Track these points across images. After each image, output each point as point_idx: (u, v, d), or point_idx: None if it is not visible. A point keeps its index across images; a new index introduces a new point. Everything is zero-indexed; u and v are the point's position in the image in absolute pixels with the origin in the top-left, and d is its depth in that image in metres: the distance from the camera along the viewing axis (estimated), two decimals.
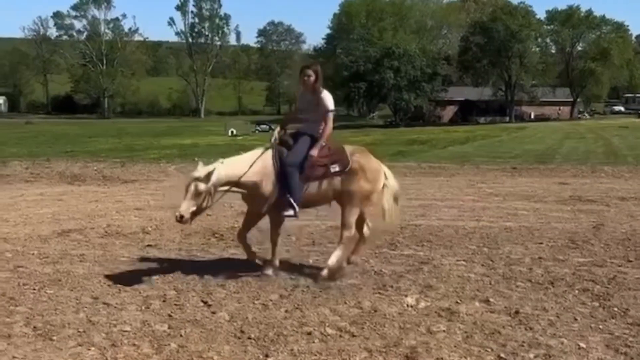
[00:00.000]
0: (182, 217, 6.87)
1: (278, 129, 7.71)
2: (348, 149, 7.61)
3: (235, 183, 7.16)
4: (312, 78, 7.46)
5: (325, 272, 7.27)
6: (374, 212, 7.91)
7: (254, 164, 7.20)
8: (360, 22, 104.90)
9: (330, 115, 7.49)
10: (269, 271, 7.46)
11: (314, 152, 7.28)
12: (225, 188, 7.17)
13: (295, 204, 7.20)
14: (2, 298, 6.63)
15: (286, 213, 7.26)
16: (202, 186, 6.89)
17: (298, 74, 7.84)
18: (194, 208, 6.93)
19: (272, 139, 7.54)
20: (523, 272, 7.65)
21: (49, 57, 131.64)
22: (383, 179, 7.77)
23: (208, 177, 6.89)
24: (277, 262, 7.64)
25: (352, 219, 7.54)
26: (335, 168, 7.37)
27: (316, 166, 7.30)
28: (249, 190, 7.29)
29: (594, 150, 31.80)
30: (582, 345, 5.37)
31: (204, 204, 7.02)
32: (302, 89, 7.72)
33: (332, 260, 7.35)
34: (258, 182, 7.21)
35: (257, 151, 7.42)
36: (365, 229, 7.96)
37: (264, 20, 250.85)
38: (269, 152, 7.36)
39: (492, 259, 8.31)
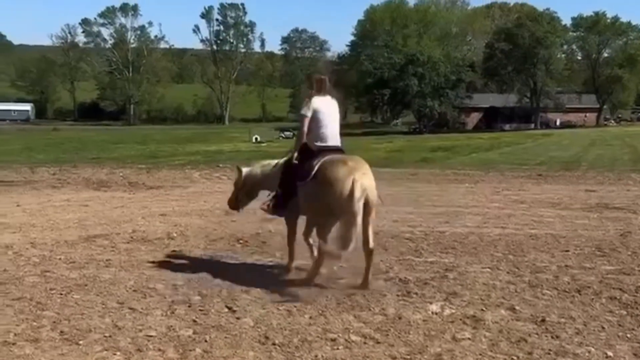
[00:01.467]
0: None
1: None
2: (326, 158, 7.21)
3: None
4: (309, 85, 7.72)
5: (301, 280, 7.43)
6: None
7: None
8: (384, 29, 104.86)
9: (302, 120, 7.54)
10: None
11: (294, 157, 7.51)
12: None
13: (270, 203, 7.65)
14: (29, 303, 6.70)
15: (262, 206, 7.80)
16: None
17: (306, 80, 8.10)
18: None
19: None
20: (549, 279, 7.58)
21: (76, 65, 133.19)
22: (345, 192, 6.80)
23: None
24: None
25: (321, 235, 7.18)
26: (305, 177, 7.24)
27: (300, 174, 7.37)
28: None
29: (620, 157, 31.47)
30: (610, 354, 5.31)
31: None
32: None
33: (308, 272, 7.46)
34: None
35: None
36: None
37: (288, 27, 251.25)
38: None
39: (517, 266, 8.24)
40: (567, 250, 9.21)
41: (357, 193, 6.76)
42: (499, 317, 6.20)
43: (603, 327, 5.95)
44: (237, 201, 8.53)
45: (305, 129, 7.46)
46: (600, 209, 13.47)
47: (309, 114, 7.45)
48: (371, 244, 7.08)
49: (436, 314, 6.33)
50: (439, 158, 32.59)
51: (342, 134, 7.74)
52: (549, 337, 5.71)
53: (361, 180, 6.84)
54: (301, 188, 7.31)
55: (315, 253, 7.47)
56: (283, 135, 68.33)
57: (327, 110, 7.54)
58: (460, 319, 6.15)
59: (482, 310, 6.42)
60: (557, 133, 67.66)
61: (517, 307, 6.49)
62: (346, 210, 6.78)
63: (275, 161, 8.13)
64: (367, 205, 6.87)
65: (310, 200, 7.20)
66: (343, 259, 7.34)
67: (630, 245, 9.56)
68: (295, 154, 7.47)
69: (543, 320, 6.09)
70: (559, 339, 5.66)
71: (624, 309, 6.50)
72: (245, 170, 8.39)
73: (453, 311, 6.39)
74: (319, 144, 7.47)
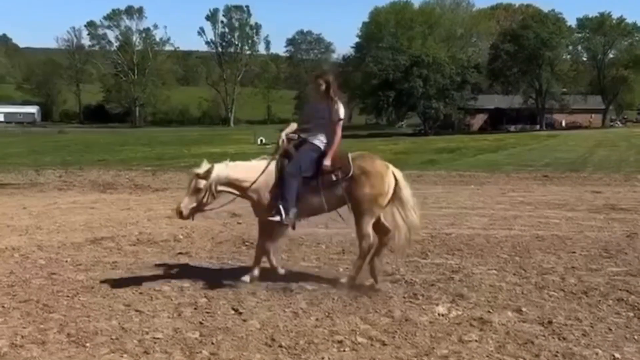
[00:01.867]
0: (181, 212, 7.24)
1: (283, 138, 7.58)
2: (352, 155, 7.45)
3: (238, 188, 7.36)
4: (324, 87, 7.44)
5: (344, 280, 7.35)
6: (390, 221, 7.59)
7: (263, 172, 7.37)
8: (389, 31, 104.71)
9: (340, 124, 7.46)
10: (246, 278, 7.47)
11: (327, 162, 7.28)
12: (229, 190, 7.37)
13: (283, 211, 7.19)
14: (36, 305, 6.72)
15: (271, 217, 7.26)
16: (201, 183, 7.15)
17: (311, 82, 7.91)
18: (194, 204, 7.24)
19: (276, 150, 7.59)
20: (556, 281, 7.57)
21: (82, 67, 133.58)
22: (391, 183, 7.40)
23: (207, 174, 7.14)
24: (256, 272, 7.61)
25: (365, 226, 7.30)
26: (338, 175, 7.28)
27: (321, 174, 7.31)
28: (250, 197, 7.45)
29: (626, 158, 31.37)
30: (617, 355, 5.30)
31: (204, 201, 7.25)
32: (314, 97, 7.76)
33: (353, 269, 7.44)
34: (260, 192, 7.36)
35: (263, 162, 7.54)
36: (388, 235, 7.60)
37: (293, 29, 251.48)
38: (273, 164, 7.46)
39: (524, 268, 8.23)
40: (574, 252, 9.20)
41: (404, 183, 7.52)
42: (506, 319, 6.19)
43: (610, 329, 5.93)
44: (195, 210, 7.37)
45: (340, 133, 7.47)
46: (606, 210, 13.44)
47: (343, 117, 7.50)
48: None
49: (443, 315, 6.32)
50: (444, 160, 32.54)
51: (347, 136, 7.75)
52: (556, 338, 5.70)
53: (396, 173, 7.54)
54: (332, 186, 7.30)
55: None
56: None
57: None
58: (467, 321, 6.15)
59: (489, 312, 6.41)
60: (562, 134, 67.48)
61: (523, 309, 6.48)
62: (385, 200, 7.37)
63: (252, 163, 7.62)
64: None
65: (358, 194, 7.26)
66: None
67: (637, 247, 9.54)
68: (329, 159, 7.30)
69: (550, 322, 6.08)
70: (566, 340, 5.65)
71: (631, 310, 6.49)
72: (215, 173, 7.28)
73: (460, 313, 6.38)
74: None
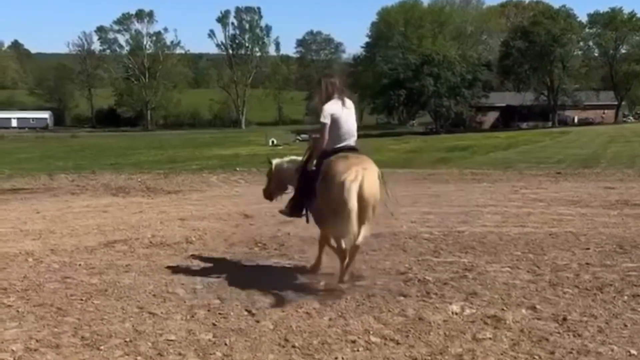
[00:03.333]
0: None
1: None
2: (334, 156, 7.21)
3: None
4: (330, 89, 7.53)
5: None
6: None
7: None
8: (398, 30, 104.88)
9: (322, 129, 7.40)
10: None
11: (309, 164, 7.54)
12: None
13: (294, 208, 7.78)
14: (50, 309, 6.73)
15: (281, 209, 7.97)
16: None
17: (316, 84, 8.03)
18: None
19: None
20: (570, 278, 7.51)
21: (93, 72, 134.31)
22: (348, 188, 6.73)
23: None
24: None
25: (331, 230, 7.24)
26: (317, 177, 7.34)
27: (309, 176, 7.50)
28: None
29: (639, 154, 31.22)
30: (633, 352, 5.25)
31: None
32: (319, 99, 7.76)
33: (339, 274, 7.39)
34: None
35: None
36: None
37: (303, 30, 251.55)
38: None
39: (537, 265, 8.18)
40: (588, 248, 9.14)
41: (352, 185, 6.71)
42: (520, 317, 6.15)
43: (625, 325, 5.89)
44: (270, 192, 8.74)
45: (326, 136, 7.41)
46: (620, 206, 13.35)
47: (328, 121, 7.38)
48: (359, 240, 6.87)
49: (456, 314, 6.29)
50: (456, 158, 32.48)
51: (358, 135, 7.70)
52: (571, 335, 5.66)
53: (359, 174, 6.80)
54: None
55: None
56: (300, 138, 68.39)
57: (342, 112, 7.47)
58: (481, 319, 6.11)
59: (503, 309, 6.37)
60: (575, 131, 67.28)
61: (538, 306, 6.44)
62: (339, 201, 6.72)
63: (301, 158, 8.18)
64: (362, 200, 6.76)
65: (318, 197, 7.27)
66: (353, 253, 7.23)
67: None
68: (314, 161, 7.46)
69: (565, 319, 6.04)
70: (581, 337, 5.60)
71: None
72: (275, 162, 8.60)
73: (473, 311, 6.35)
74: (334, 146, 7.43)
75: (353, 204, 6.66)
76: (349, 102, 7.62)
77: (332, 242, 7.56)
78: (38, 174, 26.51)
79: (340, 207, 6.71)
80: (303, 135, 70.28)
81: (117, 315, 6.47)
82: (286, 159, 8.59)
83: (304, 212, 7.76)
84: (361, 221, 6.83)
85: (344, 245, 7.08)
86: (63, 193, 18.97)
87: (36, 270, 8.51)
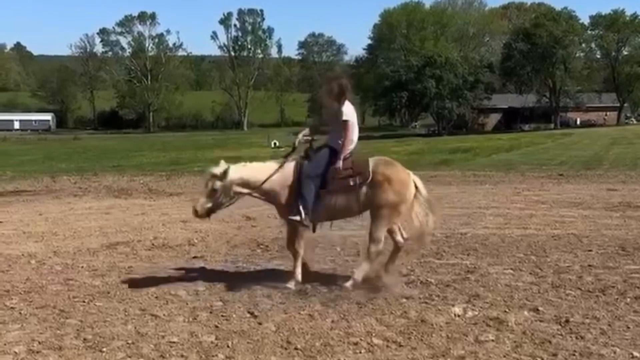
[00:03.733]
0: (196, 211, 7.38)
1: (300, 139, 7.75)
2: (373, 160, 7.43)
3: (254, 188, 7.43)
4: (335, 90, 7.44)
5: (349, 284, 7.29)
6: (411, 222, 7.64)
7: (274, 173, 7.42)
8: (400, 32, 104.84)
9: (348, 125, 7.38)
10: (291, 284, 7.43)
11: (339, 164, 7.28)
12: (245, 191, 7.46)
13: (302, 211, 7.27)
14: (53, 311, 6.74)
15: (291, 217, 7.36)
16: (218, 183, 7.26)
17: (325, 85, 7.93)
18: (210, 204, 7.34)
19: (291, 152, 7.75)
20: (572, 280, 7.52)
21: (95, 74, 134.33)
22: (412, 190, 7.44)
23: (224, 174, 7.25)
24: (298, 276, 7.58)
25: (379, 232, 7.34)
26: (355, 180, 7.27)
27: (338, 178, 7.30)
28: (267, 198, 7.59)
29: None
30: (636, 354, 5.25)
31: (220, 201, 7.37)
32: (326, 100, 7.75)
33: (358, 273, 7.40)
34: (277, 192, 7.44)
35: (276, 162, 7.65)
36: (399, 238, 7.69)
37: (305, 32, 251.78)
38: (291, 164, 7.52)
39: (540, 267, 8.18)
40: (590, 250, 9.14)
41: (424, 192, 7.53)
42: (523, 319, 6.15)
43: (628, 327, 5.88)
44: (211, 210, 7.45)
45: (350, 136, 7.43)
46: (622, 208, 13.36)
47: (352, 119, 7.44)
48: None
49: (459, 316, 6.29)
50: (458, 160, 32.45)
51: (360, 137, 7.72)
52: (574, 337, 5.65)
53: (416, 179, 7.56)
54: (351, 191, 7.31)
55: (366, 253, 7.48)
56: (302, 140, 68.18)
57: (354, 116, 7.54)
58: (483, 321, 6.11)
59: (505, 311, 6.37)
60: (577, 132, 67.19)
61: (540, 308, 6.44)
62: (405, 206, 7.38)
63: (269, 164, 7.70)
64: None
65: (378, 200, 7.26)
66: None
67: None
68: (341, 162, 7.32)
69: (567, 321, 6.03)
70: (584, 339, 5.60)
71: None
72: (232, 167, 7.45)
73: (476, 313, 6.35)
74: (349, 148, 7.46)
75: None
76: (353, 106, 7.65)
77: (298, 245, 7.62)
78: (40, 176, 26.57)
79: (399, 214, 7.44)
80: (308, 138, 70.13)
81: (120, 317, 6.47)
82: (237, 166, 7.53)
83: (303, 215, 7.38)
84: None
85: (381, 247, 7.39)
86: (65, 195, 18.99)
87: (39, 272, 8.53)
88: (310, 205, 7.29)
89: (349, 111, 7.40)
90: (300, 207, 7.27)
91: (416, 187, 7.47)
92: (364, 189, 7.27)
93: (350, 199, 7.34)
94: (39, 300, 7.15)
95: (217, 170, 7.32)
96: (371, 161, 7.41)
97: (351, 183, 7.28)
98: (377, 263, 7.49)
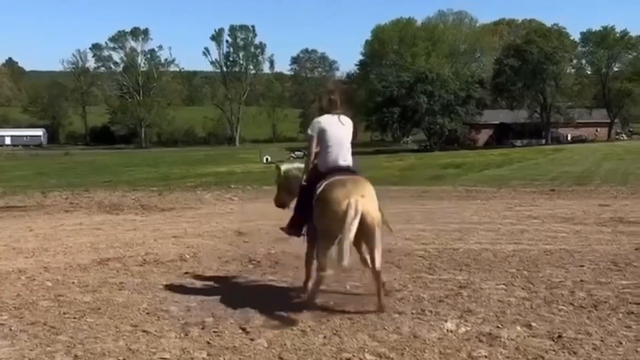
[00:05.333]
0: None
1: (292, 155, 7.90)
2: (333, 179, 7.02)
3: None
4: (328, 103, 7.52)
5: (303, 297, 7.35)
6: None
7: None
8: (392, 48, 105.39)
9: (309, 140, 7.44)
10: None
11: (303, 178, 7.47)
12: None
13: (292, 226, 7.57)
14: (43, 327, 6.69)
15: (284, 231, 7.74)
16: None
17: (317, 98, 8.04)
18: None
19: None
20: (565, 295, 7.51)
21: (87, 89, 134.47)
22: (345, 212, 6.61)
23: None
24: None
25: (320, 254, 7.00)
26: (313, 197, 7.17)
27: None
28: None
29: (633, 171, 31.27)
30: None
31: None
32: (318, 113, 7.71)
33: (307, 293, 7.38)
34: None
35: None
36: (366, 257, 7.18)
37: (298, 48, 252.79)
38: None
39: (532, 282, 8.17)
40: (582, 265, 9.13)
41: (351, 213, 6.55)
42: (515, 334, 6.13)
43: (620, 343, 5.87)
44: (282, 199, 8.32)
45: (313, 149, 7.39)
46: (614, 223, 13.38)
47: (315, 134, 7.35)
48: (377, 265, 6.83)
49: (451, 331, 6.27)
50: (450, 175, 32.52)
51: (352, 153, 7.63)
52: (566, 353, 5.64)
53: (357, 202, 6.62)
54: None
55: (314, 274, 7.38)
56: (294, 155, 68.30)
57: (334, 129, 7.37)
58: (476, 337, 6.09)
59: (498, 327, 6.35)
60: (568, 148, 67.51)
61: (533, 324, 6.42)
62: (338, 230, 6.57)
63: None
64: (365, 227, 6.68)
65: (315, 220, 7.09)
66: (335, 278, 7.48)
67: None
68: (304, 177, 7.44)
69: (560, 337, 6.02)
70: (577, 355, 5.59)
71: None
72: (283, 168, 8.41)
73: (468, 329, 6.33)
74: (328, 166, 7.31)
75: (349, 235, 6.51)
76: (345, 119, 7.53)
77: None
78: (31, 192, 26.49)
79: (334, 238, 6.61)
80: (297, 153, 70.30)
81: (111, 334, 6.43)
82: (294, 164, 8.45)
83: (303, 231, 7.54)
84: (371, 247, 6.87)
85: (328, 271, 6.94)
86: (56, 211, 18.92)
87: (29, 288, 8.46)
88: (295, 220, 7.50)
89: (311, 125, 7.46)
90: (289, 220, 7.52)
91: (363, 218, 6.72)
92: (314, 207, 7.08)
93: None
94: (29, 317, 7.09)
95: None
96: (329, 180, 7.04)
97: (311, 200, 7.18)
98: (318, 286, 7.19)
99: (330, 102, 7.47)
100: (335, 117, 7.46)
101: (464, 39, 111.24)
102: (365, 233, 6.76)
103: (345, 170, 7.33)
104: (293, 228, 7.69)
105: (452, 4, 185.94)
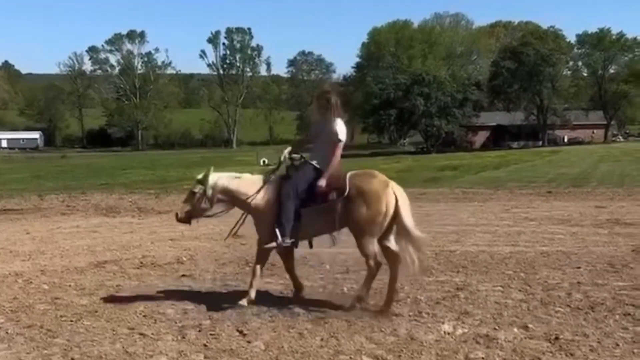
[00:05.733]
0: (177, 215, 7.63)
1: (285, 155, 7.60)
2: (350, 173, 7.21)
3: (239, 200, 7.45)
4: (327, 105, 7.33)
5: (350, 302, 7.19)
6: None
7: (261, 189, 7.38)
8: (389, 50, 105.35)
9: (340, 145, 7.26)
10: (244, 301, 7.36)
11: (322, 182, 7.11)
12: (228, 200, 7.53)
13: (279, 235, 7.13)
14: (40, 330, 6.68)
15: (266, 245, 7.32)
16: (198, 187, 7.42)
17: (315, 99, 7.84)
18: (188, 208, 7.53)
19: (277, 168, 7.64)
20: (562, 297, 7.52)
21: (84, 92, 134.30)
22: (390, 201, 7.05)
23: (204, 178, 7.41)
24: (298, 293, 7.61)
25: (366, 247, 7.07)
26: (333, 195, 7.09)
27: (318, 195, 7.15)
28: (252, 214, 7.48)
29: (629, 173, 31.30)
30: None
31: (202, 206, 7.50)
32: (316, 115, 7.67)
33: (360, 290, 7.29)
34: (260, 211, 7.34)
35: (261, 177, 7.61)
36: (393, 247, 7.29)
37: (294, 50, 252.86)
38: (273, 182, 7.45)
39: (529, 284, 8.18)
40: (579, 267, 9.15)
41: (402, 201, 7.18)
42: (512, 336, 6.14)
43: (617, 344, 5.88)
44: (191, 213, 7.61)
45: (339, 155, 7.28)
46: (610, 225, 13.40)
47: (344, 139, 7.30)
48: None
49: (448, 333, 6.27)
50: (447, 177, 32.53)
51: (350, 155, 7.64)
52: (563, 354, 5.65)
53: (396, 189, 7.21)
54: (330, 206, 7.09)
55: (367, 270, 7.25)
56: (293, 157, 68.01)
57: (344, 133, 7.37)
58: (473, 339, 6.10)
59: (495, 329, 6.36)
60: (565, 150, 67.56)
61: (530, 325, 6.43)
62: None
63: (254, 177, 7.68)
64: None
65: (356, 214, 7.01)
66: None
67: None
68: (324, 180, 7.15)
69: (557, 338, 6.03)
70: (574, 356, 5.59)
71: (638, 325, 6.43)
72: (214, 176, 7.55)
73: (465, 330, 6.34)
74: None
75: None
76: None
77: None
78: (28, 195, 26.45)
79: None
80: (295, 156, 70.06)
81: (108, 337, 6.42)
82: (224, 174, 7.67)
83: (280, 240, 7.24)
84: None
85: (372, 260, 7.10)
86: (53, 213, 18.90)
87: (26, 291, 8.46)
88: (288, 228, 7.15)
89: (342, 130, 7.28)
90: (277, 231, 7.13)
91: (397, 199, 7.11)
92: (340, 203, 7.06)
93: (330, 215, 7.09)
94: (25, 320, 7.08)
95: (200, 174, 7.46)
96: (348, 174, 7.19)
97: (329, 198, 7.11)
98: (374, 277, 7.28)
99: (337, 105, 7.38)
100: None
101: (461, 41, 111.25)
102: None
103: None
104: (284, 236, 7.27)
105: (449, 6, 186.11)
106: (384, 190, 7.09)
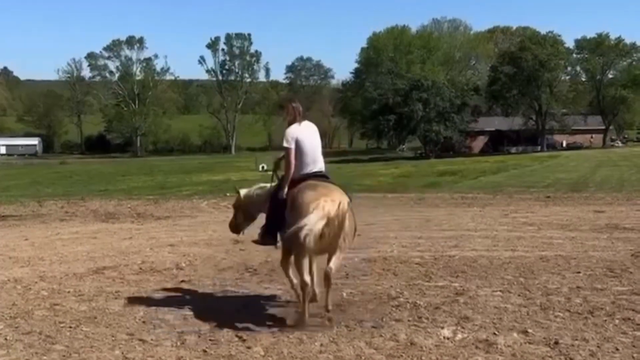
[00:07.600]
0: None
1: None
2: (303, 183, 7.14)
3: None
4: (291, 113, 7.50)
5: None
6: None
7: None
8: (387, 56, 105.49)
9: (289, 152, 7.32)
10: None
11: (280, 192, 7.33)
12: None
13: (262, 235, 7.68)
14: (39, 336, 6.66)
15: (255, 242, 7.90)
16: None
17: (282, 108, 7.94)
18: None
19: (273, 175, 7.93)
20: (561, 302, 7.51)
21: (83, 98, 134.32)
22: (310, 212, 6.59)
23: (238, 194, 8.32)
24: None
25: (295, 262, 7.07)
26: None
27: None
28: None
29: (628, 177, 31.36)
30: None
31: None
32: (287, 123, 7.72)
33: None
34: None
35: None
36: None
37: (293, 56, 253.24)
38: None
39: (528, 289, 8.18)
40: (578, 272, 9.14)
41: (318, 214, 6.56)
42: (512, 341, 6.13)
43: (617, 349, 5.87)
44: (237, 224, 8.36)
45: (292, 160, 7.33)
46: (609, 229, 13.40)
47: (293, 145, 7.32)
48: (332, 270, 6.80)
49: (448, 338, 6.26)
50: (446, 182, 32.55)
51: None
52: (563, 359, 5.64)
53: (326, 206, 6.62)
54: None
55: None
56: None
57: (306, 137, 7.42)
58: (473, 344, 6.09)
59: (495, 334, 6.35)
60: (563, 155, 67.66)
61: (529, 330, 6.42)
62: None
63: (269, 185, 8.00)
64: (331, 231, 6.62)
65: (287, 227, 6.94)
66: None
67: None
68: (285, 188, 7.29)
69: (556, 343, 6.02)
70: None
71: (637, 329, 6.43)
72: (243, 192, 8.26)
73: (465, 336, 6.33)
74: (301, 172, 7.35)
75: (314, 238, 6.55)
76: (311, 126, 7.61)
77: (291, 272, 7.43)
78: (27, 201, 26.46)
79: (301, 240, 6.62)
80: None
81: (107, 343, 6.41)
82: (254, 187, 8.24)
83: (278, 239, 7.52)
84: (332, 251, 6.82)
85: (306, 277, 6.82)
86: (52, 220, 18.90)
87: (25, 298, 8.44)
88: (268, 229, 7.57)
89: (285, 136, 7.38)
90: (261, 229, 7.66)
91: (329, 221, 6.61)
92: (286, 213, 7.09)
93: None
94: (24, 326, 7.07)
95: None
96: (300, 185, 7.11)
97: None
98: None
99: (294, 110, 7.47)
100: (304, 124, 7.51)
101: (459, 47, 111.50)
102: (330, 235, 6.66)
103: (320, 176, 7.39)
104: (266, 237, 7.65)
105: (447, 12, 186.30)
106: (308, 204, 6.74)
